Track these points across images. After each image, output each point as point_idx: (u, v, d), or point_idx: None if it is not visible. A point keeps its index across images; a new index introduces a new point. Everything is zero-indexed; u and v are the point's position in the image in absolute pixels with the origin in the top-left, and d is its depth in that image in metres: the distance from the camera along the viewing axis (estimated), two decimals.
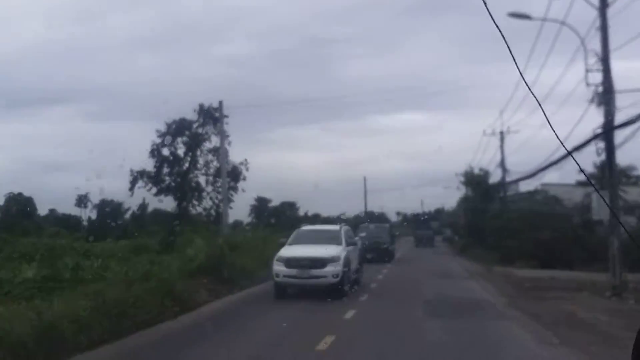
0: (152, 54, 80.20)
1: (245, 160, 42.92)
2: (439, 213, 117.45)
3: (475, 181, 37.31)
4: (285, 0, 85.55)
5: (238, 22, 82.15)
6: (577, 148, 15.55)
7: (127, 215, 42.76)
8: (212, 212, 42.93)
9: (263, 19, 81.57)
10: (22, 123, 70.54)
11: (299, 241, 16.11)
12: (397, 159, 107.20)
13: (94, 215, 46.82)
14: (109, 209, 44.22)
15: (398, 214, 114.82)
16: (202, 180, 41.86)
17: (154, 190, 43.13)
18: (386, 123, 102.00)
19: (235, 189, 44.88)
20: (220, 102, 40.88)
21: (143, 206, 38.72)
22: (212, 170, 41.21)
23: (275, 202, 61.25)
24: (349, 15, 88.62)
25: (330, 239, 15.80)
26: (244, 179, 43.19)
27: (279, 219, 55.42)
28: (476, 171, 38.08)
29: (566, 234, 22.41)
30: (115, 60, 72.97)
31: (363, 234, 24.99)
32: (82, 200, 57.18)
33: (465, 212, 40.63)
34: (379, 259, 26.66)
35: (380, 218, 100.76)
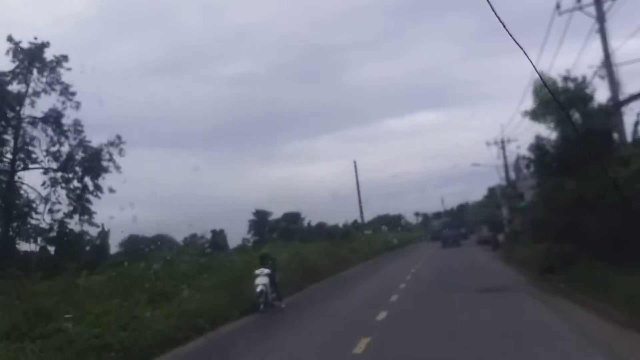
0: (159, 79, 79.56)
1: (119, 138, 22.53)
2: (462, 210, 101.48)
3: (561, 99, 14.91)
4: (285, 13, 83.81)
5: (241, 40, 79.12)
6: None
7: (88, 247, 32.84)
8: (53, 232, 25.85)
9: (266, 34, 77.16)
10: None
11: None
12: (414, 160, 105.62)
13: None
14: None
15: (417, 214, 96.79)
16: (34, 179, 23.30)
17: None
18: (399, 125, 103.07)
19: (96, 190, 23.95)
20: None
21: (103, 233, 29.93)
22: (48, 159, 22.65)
23: (277, 215, 55.13)
24: (351, 21, 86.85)
25: None
26: (116, 169, 22.37)
27: (283, 233, 49.31)
28: (558, 82, 15.95)
29: None
30: (125, 88, 70.35)
31: None
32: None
33: (543, 175, 17.41)
34: None
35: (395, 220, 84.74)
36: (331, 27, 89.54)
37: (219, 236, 47.06)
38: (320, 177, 79.87)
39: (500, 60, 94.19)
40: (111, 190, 25.23)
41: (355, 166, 54.07)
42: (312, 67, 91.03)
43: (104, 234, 41.18)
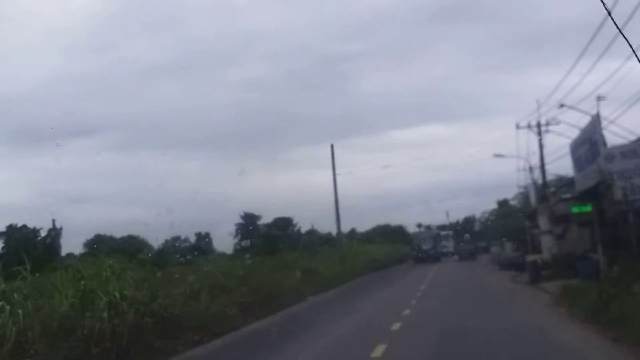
0: (168, 81, 76.88)
1: None
2: (468, 223, 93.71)
3: None
4: (296, 20, 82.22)
5: (252, 44, 79.03)
6: None
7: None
8: None
9: (276, 40, 77.86)
10: (45, 157, 64.29)
11: None
12: (419, 172, 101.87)
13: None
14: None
15: (419, 226, 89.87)
16: None
17: None
18: (405, 137, 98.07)
19: None
20: None
21: (55, 231, 28.49)
22: None
23: (268, 219, 52.24)
24: (362, 31, 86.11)
25: None
26: None
27: (270, 241, 44.13)
28: None
29: None
30: (133, 89, 69.42)
31: None
32: None
33: None
34: None
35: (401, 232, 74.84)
36: (343, 37, 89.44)
37: (203, 239, 45.44)
38: (323, 184, 75.12)
39: (513, 76, 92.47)
40: None
41: (332, 151, 40.46)
42: (322, 76, 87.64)
43: (55, 232, 32.90)
